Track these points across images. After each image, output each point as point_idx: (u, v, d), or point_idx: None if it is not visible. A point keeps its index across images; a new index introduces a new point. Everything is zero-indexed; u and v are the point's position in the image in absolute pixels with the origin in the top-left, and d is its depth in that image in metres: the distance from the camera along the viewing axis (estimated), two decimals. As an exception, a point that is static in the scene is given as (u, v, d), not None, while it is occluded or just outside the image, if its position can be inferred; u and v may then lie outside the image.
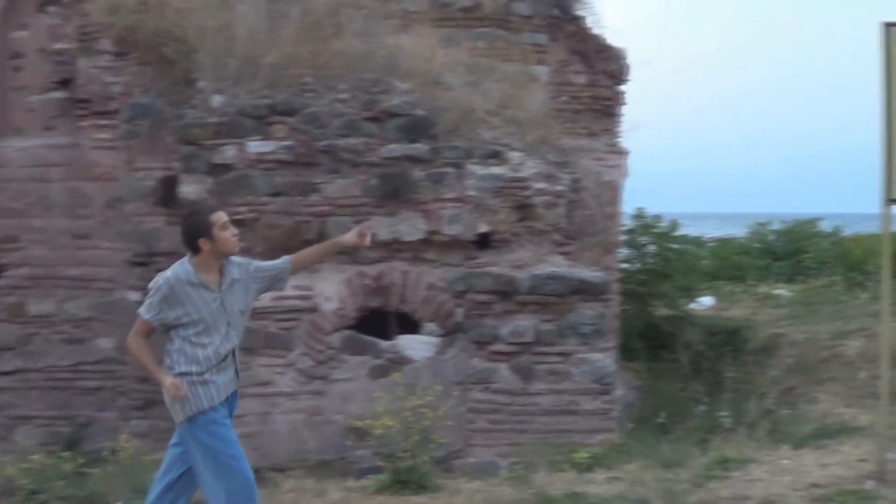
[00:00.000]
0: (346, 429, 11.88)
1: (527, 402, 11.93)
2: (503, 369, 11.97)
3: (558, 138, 14.19)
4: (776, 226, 34.07)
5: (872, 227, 30.40)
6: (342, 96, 12.68)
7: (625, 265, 20.25)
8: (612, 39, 18.70)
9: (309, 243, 11.73)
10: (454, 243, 12.34)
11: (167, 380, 7.13)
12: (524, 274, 12.04)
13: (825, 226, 34.49)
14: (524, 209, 12.54)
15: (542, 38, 16.66)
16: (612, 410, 12.29)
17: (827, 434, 11.71)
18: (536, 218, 12.61)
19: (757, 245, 32.68)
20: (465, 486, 10.09)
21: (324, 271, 12.35)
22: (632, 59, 19.00)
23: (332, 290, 12.41)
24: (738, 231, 37.29)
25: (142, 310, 7.31)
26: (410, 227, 12.24)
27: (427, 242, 12.33)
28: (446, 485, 10.02)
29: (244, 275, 7.45)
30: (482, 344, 12.05)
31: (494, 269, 12.16)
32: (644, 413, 15.02)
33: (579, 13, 17.93)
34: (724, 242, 34.26)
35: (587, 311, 12.14)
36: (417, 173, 12.29)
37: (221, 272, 7.33)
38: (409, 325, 12.59)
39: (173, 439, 7.48)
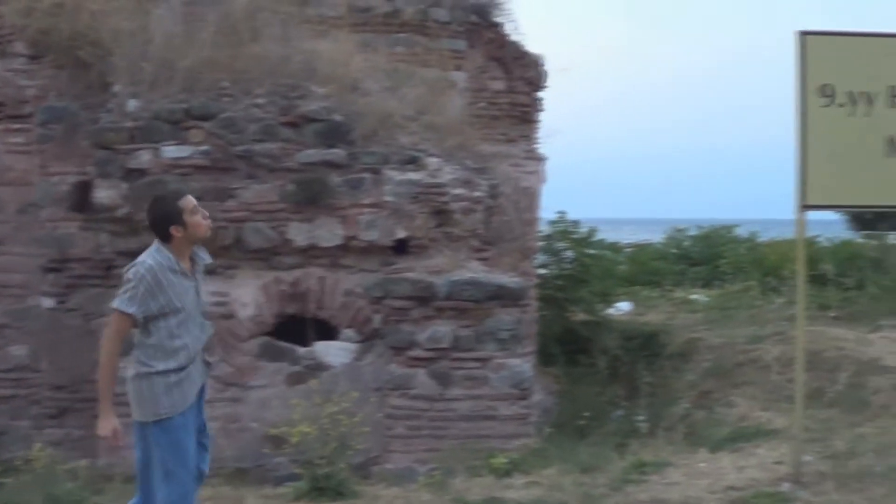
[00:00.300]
0: (264, 436, 11.81)
1: (445, 407, 11.93)
2: (421, 375, 11.96)
3: (476, 144, 14.22)
4: (693, 231, 34.45)
5: (787, 233, 30.87)
6: (259, 101, 12.61)
7: (543, 271, 20.33)
8: (530, 46, 18.80)
9: (226, 249, 11.72)
10: (371, 249, 12.32)
11: (111, 423, 6.96)
12: (442, 280, 12.05)
13: (741, 231, 34.93)
14: (442, 215, 12.55)
15: (460, 44, 16.69)
16: (529, 416, 12.34)
17: (743, 437, 11.86)
18: (454, 224, 12.63)
19: (674, 250, 33.04)
20: (383, 492, 10.08)
21: (240, 277, 12.29)
22: (549, 65, 19.11)
23: (248, 296, 12.34)
24: (656, 237, 37.63)
25: (121, 304, 6.91)
26: (328, 232, 12.20)
27: (344, 248, 12.30)
28: (364, 491, 10.00)
29: (204, 261, 7.40)
30: (400, 350, 12.04)
31: (412, 275, 12.16)
32: (562, 418, 15.12)
33: (497, 20, 18.00)
34: (641, 248, 34.54)
35: (505, 317, 12.17)
36: (335, 179, 12.25)
37: (192, 259, 7.22)
38: (327, 332, 12.54)
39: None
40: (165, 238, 7.05)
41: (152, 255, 7.01)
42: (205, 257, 7.42)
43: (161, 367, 6.96)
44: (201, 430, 7.46)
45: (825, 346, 16.50)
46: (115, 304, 6.93)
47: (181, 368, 7.04)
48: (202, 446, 7.46)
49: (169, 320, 6.97)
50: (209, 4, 13.77)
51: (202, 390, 7.39)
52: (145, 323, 6.95)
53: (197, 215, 7.13)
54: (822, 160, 8.76)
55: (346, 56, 13.47)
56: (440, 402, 11.95)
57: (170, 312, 6.96)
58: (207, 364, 7.44)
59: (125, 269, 7.08)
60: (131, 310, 6.86)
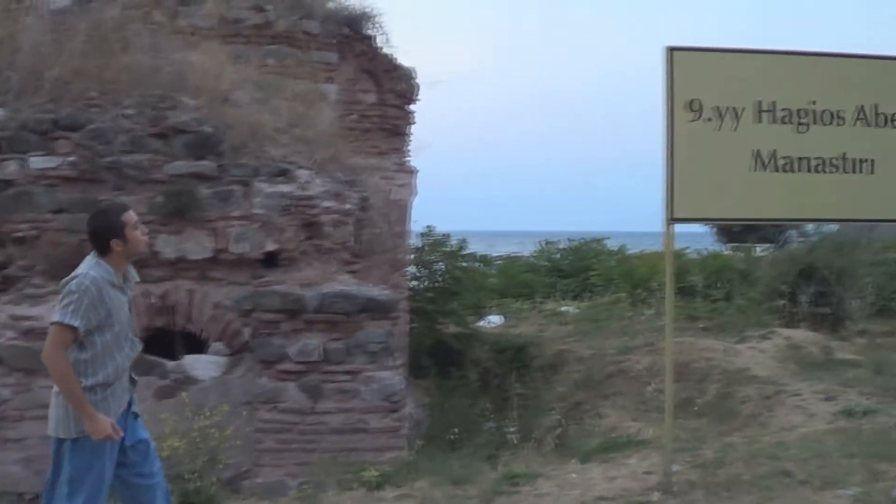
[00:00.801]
0: (132, 451, 11.62)
1: (315, 421, 11.86)
2: (291, 388, 11.88)
3: (347, 157, 14.20)
4: (563, 244, 34.79)
5: (657, 245, 31.28)
6: (128, 112, 12.45)
7: (413, 283, 20.36)
8: (401, 59, 18.85)
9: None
10: (241, 262, 12.22)
11: (103, 422, 6.71)
12: (312, 292, 11.99)
13: (611, 244, 35.37)
14: (312, 227, 12.50)
15: (331, 56, 16.68)
16: (401, 428, 12.32)
17: (614, 447, 11.96)
18: (324, 236, 12.59)
19: (544, 263, 33.32)
20: (253, 506, 10.00)
21: (108, 290, 12.10)
22: (421, 79, 19.18)
23: (116, 309, 12.16)
24: (528, 249, 37.94)
25: (63, 318, 6.64)
26: (197, 245, 12.07)
27: (214, 261, 12.18)
28: (235, 506, 9.92)
29: (134, 279, 7.28)
30: (270, 363, 11.95)
31: (282, 288, 12.08)
32: (433, 430, 15.13)
33: (369, 33, 18.01)
34: (511, 260, 34.79)
35: (375, 330, 12.15)
36: (204, 191, 12.13)
37: (124, 275, 7.06)
38: (196, 345, 12.40)
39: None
40: (104, 251, 6.89)
41: (92, 268, 6.83)
42: (134, 275, 7.30)
43: (89, 382, 6.75)
44: (139, 449, 7.23)
45: (694, 356, 16.76)
46: (57, 317, 6.65)
47: (107, 384, 6.86)
48: (146, 465, 7.27)
49: (105, 335, 6.80)
50: (78, 14, 13.58)
51: (128, 408, 7.17)
52: (83, 336, 6.72)
53: (137, 230, 7.01)
54: (689, 174, 8.85)
55: (216, 67, 13.37)
56: (311, 416, 11.88)
57: (106, 327, 6.80)
58: (133, 381, 7.26)
59: (64, 281, 6.85)
60: (75, 322, 6.63)
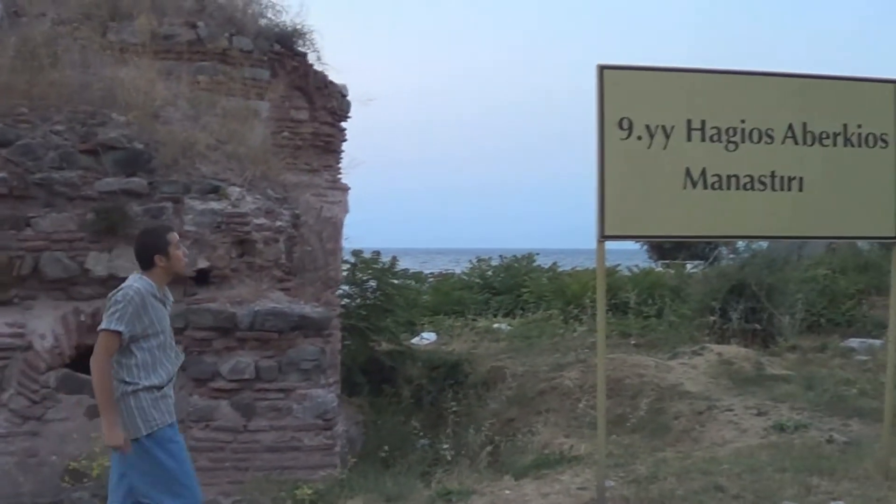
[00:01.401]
0: (63, 470, 11.51)
1: (248, 439, 11.81)
2: (224, 406, 11.82)
3: (279, 174, 14.15)
4: (496, 261, 34.85)
5: (589, 262, 31.38)
6: (58, 128, 12.33)
7: (346, 301, 20.31)
8: (334, 76, 18.82)
9: (22, 279, 11.40)
10: (173, 279, 12.12)
11: (121, 434, 7.14)
12: (244, 310, 11.94)
13: (543, 261, 35.47)
14: (244, 245, 12.45)
15: (263, 73, 16.62)
16: (334, 446, 12.28)
17: (547, 464, 11.98)
18: (256, 254, 12.54)
19: (477, 280, 33.34)
20: (186, 526, 9.89)
21: (37, 308, 11.99)
22: (354, 96, 19.16)
23: (46, 327, 12.03)
24: (461, 267, 37.96)
25: (109, 324, 7.21)
26: (128, 262, 11.90)
27: (145, 279, 12.08)
28: (167, 525, 9.80)
29: (169, 299, 7.74)
30: (202, 381, 11.88)
31: (214, 306, 12.02)
32: (367, 448, 15.10)
33: (301, 50, 17.97)
34: (444, 278, 34.80)
35: (308, 347, 12.12)
36: (135, 208, 12.04)
37: (164, 291, 7.59)
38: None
39: (115, 476, 7.41)
40: (147, 266, 7.48)
41: (137, 281, 7.42)
42: (169, 295, 7.77)
43: (146, 382, 7.24)
44: None
45: (626, 372, 16.84)
46: (104, 324, 7.22)
47: (160, 387, 7.32)
48: None
49: (150, 342, 7.32)
50: (7, 29, 13.45)
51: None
52: (128, 343, 7.23)
53: (179, 250, 7.60)
54: (620, 192, 8.91)
55: (147, 83, 13.28)
56: (244, 434, 11.82)
57: (152, 335, 7.31)
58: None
59: (112, 293, 7.39)
60: (120, 328, 7.16)
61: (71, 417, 11.83)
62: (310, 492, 10.49)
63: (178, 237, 7.73)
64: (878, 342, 21.60)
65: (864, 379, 17.39)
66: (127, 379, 7.25)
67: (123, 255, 11.92)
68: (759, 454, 11.63)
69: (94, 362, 7.23)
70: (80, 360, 12.10)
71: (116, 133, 12.37)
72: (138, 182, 12.13)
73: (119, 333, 7.16)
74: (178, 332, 11.86)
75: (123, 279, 11.79)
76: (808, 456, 11.26)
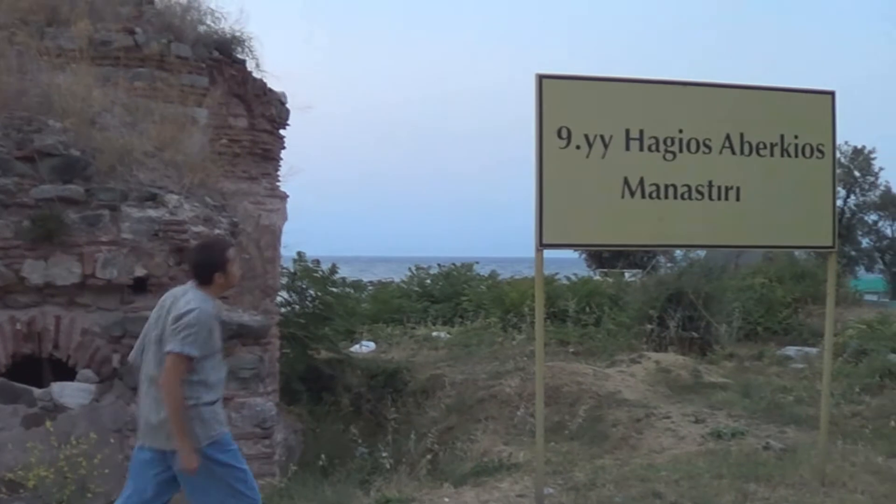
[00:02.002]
0: (-2, 480, 11.38)
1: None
2: (162, 416, 11.71)
3: (217, 181, 14.07)
4: (434, 269, 34.91)
5: (528, 271, 31.43)
6: (-7, 134, 12.20)
7: (285, 309, 20.24)
8: (273, 84, 18.77)
9: (-44, 287, 11.25)
10: (110, 287, 12.02)
11: (193, 456, 7.26)
12: (183, 318, 11.85)
13: (481, 269, 35.56)
14: (182, 253, 12.35)
15: (202, 80, 16.53)
16: (273, 454, 12.22)
17: (486, 471, 12.03)
18: (194, 262, 12.46)
19: (416, 288, 33.37)
20: (122, 536, 9.81)
21: (-29, 317, 11.84)
22: (293, 104, 19.12)
23: (-20, 336, 11.90)
24: (400, 275, 37.98)
25: (184, 349, 7.22)
26: (64, 270, 11.84)
27: (82, 286, 11.96)
28: (104, 536, 9.74)
29: None
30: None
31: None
32: (306, 456, 15.04)
33: (239, 57, 17.91)
34: (383, 286, 34.80)
35: (246, 356, 12.07)
36: (72, 215, 11.92)
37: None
38: (65, 372, 12.17)
39: (153, 468, 7.55)
40: (206, 282, 7.45)
41: (205, 301, 7.42)
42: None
43: (206, 398, 7.32)
44: None
45: (565, 380, 16.91)
46: (177, 348, 7.19)
47: (218, 400, 7.47)
48: None
49: (212, 360, 7.43)
50: (-59, 34, 13.30)
51: None
52: (195, 362, 7.30)
53: (235, 266, 7.62)
54: (559, 200, 8.95)
55: (84, 90, 13.16)
56: (181, 443, 11.72)
57: (211, 354, 7.37)
58: None
59: (180, 312, 7.27)
60: (194, 352, 7.21)
61: (6, 427, 11.67)
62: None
63: (234, 252, 7.71)
64: (814, 350, 21.87)
65: (801, 386, 17.59)
66: (189, 394, 7.25)
67: (60, 264, 11.81)
68: (697, 461, 11.72)
69: (168, 386, 7.20)
70: (15, 369, 12.00)
71: (53, 140, 12.25)
72: (75, 189, 12.01)
73: (192, 358, 7.21)
74: (115, 340, 11.82)
75: (61, 287, 11.78)
76: (745, 463, 11.36)
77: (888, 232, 68.84)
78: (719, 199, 9.34)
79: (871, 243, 68.84)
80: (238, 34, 17.86)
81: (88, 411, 11.73)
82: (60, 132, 12.38)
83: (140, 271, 12.04)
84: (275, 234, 18.30)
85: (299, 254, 21.86)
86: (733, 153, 9.37)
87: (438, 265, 35.89)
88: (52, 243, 11.80)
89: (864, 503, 9.33)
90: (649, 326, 22.68)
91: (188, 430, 7.22)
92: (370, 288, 33.35)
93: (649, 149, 9.15)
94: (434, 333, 25.94)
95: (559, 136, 8.90)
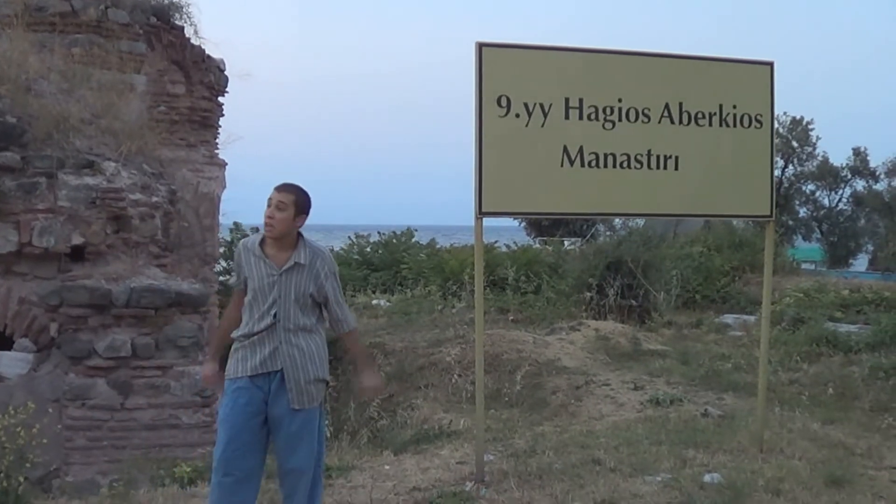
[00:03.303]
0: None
1: (126, 417, 11.67)
2: (101, 384, 11.65)
3: (155, 149, 13.98)
4: (374, 238, 34.85)
5: (467, 239, 31.45)
6: (-74, 102, 12.05)
7: (224, 277, 20.15)
8: (212, 51, 18.65)
9: None
10: (47, 256, 11.92)
11: (206, 367, 7.50)
12: (120, 287, 11.77)
13: (421, 237, 35.53)
14: (119, 221, 12.27)
15: (140, 46, 16.39)
16: (213, 423, 12.17)
17: (427, 439, 12.06)
18: (132, 230, 12.38)
19: (356, 256, 33.30)
20: (63, 506, 9.78)
21: None
22: (231, 71, 19.01)
23: (-85, 305, 11.78)
24: (339, 243, 37.85)
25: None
26: (1, 238, 11.74)
27: (18, 255, 11.86)
28: (45, 506, 9.69)
29: (315, 263, 7.20)
30: (78, 359, 11.69)
31: (89, 283, 11.82)
32: (246, 425, 14.98)
33: (178, 23, 17.77)
34: (323, 254, 34.70)
35: (185, 324, 12.02)
36: (8, 183, 11.80)
37: (290, 252, 7.14)
38: (1, 342, 12.07)
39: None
40: None
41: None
42: (301, 256, 7.34)
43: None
44: None
45: (504, 348, 16.95)
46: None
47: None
48: None
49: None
50: None
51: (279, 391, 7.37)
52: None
53: (267, 210, 7.18)
54: (498, 169, 8.95)
55: (20, 56, 13.02)
56: (121, 412, 11.67)
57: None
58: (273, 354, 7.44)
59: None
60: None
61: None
62: (188, 469, 10.39)
63: (272, 195, 7.20)
64: (751, 318, 22.07)
65: (739, 354, 17.75)
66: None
67: (-3, 231, 11.71)
68: (636, 428, 11.80)
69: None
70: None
71: (-12, 107, 12.13)
72: (11, 157, 11.88)
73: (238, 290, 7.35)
74: (52, 309, 11.74)
75: (-3, 256, 11.66)
76: (683, 429, 11.46)
77: (825, 202, 69.38)
78: (658, 168, 9.36)
79: (809, 213, 69.35)
80: (176, 0, 17.72)
81: (26, 381, 11.66)
82: (-5, 99, 12.25)
83: (77, 239, 11.96)
84: (213, 202, 18.22)
85: (236, 224, 21.76)
86: (672, 123, 9.40)
87: (379, 233, 35.83)
88: (-13, 211, 11.68)
89: (802, 469, 9.42)
90: (588, 294, 22.77)
91: None
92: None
93: (588, 118, 9.15)
94: (374, 301, 25.93)
95: (499, 104, 8.89)
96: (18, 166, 11.90)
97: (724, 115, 9.62)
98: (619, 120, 9.24)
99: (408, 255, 31.81)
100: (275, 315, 6.99)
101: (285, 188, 7.13)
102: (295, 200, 7.05)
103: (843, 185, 68.91)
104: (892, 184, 64.50)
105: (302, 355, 7.04)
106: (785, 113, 65.59)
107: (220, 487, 7.08)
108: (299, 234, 7.18)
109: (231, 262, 21.08)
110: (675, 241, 31.68)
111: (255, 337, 7.00)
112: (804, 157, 67.26)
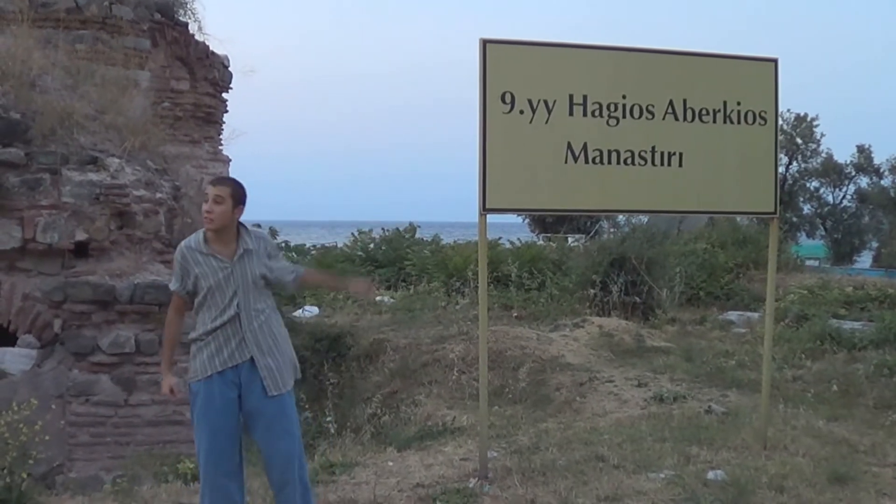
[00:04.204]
0: None
1: (129, 413, 11.68)
2: (104, 381, 11.67)
3: (159, 145, 13.99)
4: (377, 233, 34.81)
5: (471, 235, 31.40)
6: (-69, 98, 12.06)
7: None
8: (216, 47, 18.65)
9: None
10: (50, 252, 11.93)
11: (165, 383, 7.66)
12: (124, 283, 11.79)
13: (424, 234, 35.49)
14: (123, 217, 12.28)
15: (144, 42, 16.40)
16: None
17: (430, 435, 12.05)
18: (136, 226, 12.38)
19: (359, 253, 33.26)
20: (67, 502, 9.75)
21: None
22: (235, 67, 19.01)
23: (-80, 300, 11.79)
24: (342, 239, 37.81)
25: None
26: (5, 234, 11.75)
27: (22, 251, 11.87)
28: (48, 502, 9.67)
29: (258, 247, 7.25)
30: (82, 355, 11.71)
31: (93, 279, 11.84)
32: (250, 421, 14.99)
33: (182, 20, 17.78)
34: (326, 250, 34.64)
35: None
36: (12, 179, 11.81)
37: (236, 243, 7.18)
38: (5, 338, 12.08)
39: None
40: None
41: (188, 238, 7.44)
42: (247, 243, 7.41)
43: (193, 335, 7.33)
44: None
45: (508, 345, 16.93)
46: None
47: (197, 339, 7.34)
48: None
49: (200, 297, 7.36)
50: None
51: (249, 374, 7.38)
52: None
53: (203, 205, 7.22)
54: (502, 165, 8.94)
55: (24, 52, 13.02)
56: (124, 408, 11.69)
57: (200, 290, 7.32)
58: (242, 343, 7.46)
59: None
60: (173, 287, 7.44)
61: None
62: (192, 466, 10.40)
63: (209, 189, 7.26)
64: (755, 315, 22.01)
65: (742, 351, 17.71)
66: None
67: (0, 228, 11.71)
68: (640, 424, 11.79)
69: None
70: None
71: (-8, 102, 12.14)
72: (15, 153, 11.89)
73: (174, 292, 7.42)
74: (56, 305, 11.74)
75: (1, 252, 11.66)
76: (687, 426, 11.45)
77: (829, 199, 69.43)
78: (662, 164, 9.35)
79: (813, 210, 69.40)
80: (180, -3, 17.74)
81: (30, 377, 11.67)
82: (0, 95, 12.25)
83: (81, 235, 11.97)
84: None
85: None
86: (676, 119, 9.39)
87: (382, 229, 35.79)
88: (-9, 207, 11.69)
89: (806, 466, 9.41)
90: (592, 291, 22.73)
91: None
92: (313, 252, 33.20)
93: (592, 114, 9.15)
94: (378, 298, 25.89)
95: (503, 100, 8.89)
96: (22, 162, 11.91)
97: (728, 112, 9.61)
98: (624, 117, 9.22)
99: (411, 252, 31.76)
100: (238, 305, 7.04)
101: (220, 181, 7.27)
102: (231, 193, 7.11)
103: (847, 182, 68.95)
104: (897, 180, 64.56)
105: (267, 340, 7.14)
106: (789, 110, 65.66)
107: (213, 486, 7.13)
108: (240, 224, 7.24)
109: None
110: (679, 237, 31.63)
111: (219, 332, 7.07)
112: (808, 153, 67.28)
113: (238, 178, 7.31)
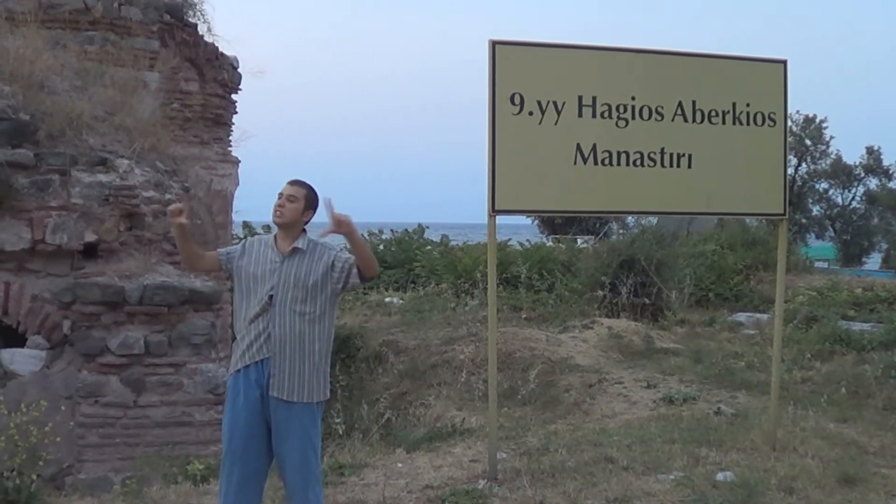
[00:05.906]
0: None
1: (139, 414, 11.68)
2: (114, 382, 11.67)
3: (168, 146, 13.99)
4: (386, 235, 34.83)
5: (480, 237, 31.38)
6: (-60, 99, 12.06)
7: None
8: (225, 48, 18.66)
9: None
10: (60, 253, 11.94)
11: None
12: (133, 284, 11.79)
13: (433, 235, 35.49)
14: (132, 218, 12.28)
15: (153, 44, 16.41)
16: (227, 420, 12.19)
17: (439, 437, 12.05)
18: (145, 227, 12.38)
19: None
20: (76, 503, 9.78)
21: (-81, 282, 11.74)
22: (245, 68, 19.02)
23: (-70, 301, 11.80)
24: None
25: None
26: (13, 235, 11.75)
27: (31, 252, 11.87)
28: (57, 503, 9.68)
29: (316, 250, 7.23)
30: (91, 356, 11.71)
31: (102, 280, 11.84)
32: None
33: (191, 21, 17.78)
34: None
35: (198, 321, 12.03)
36: (21, 180, 11.81)
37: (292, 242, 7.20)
38: (14, 339, 12.08)
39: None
40: None
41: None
42: (300, 243, 7.41)
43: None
44: None
45: (517, 346, 16.94)
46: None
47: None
48: None
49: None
50: None
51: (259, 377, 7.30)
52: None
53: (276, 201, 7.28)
54: (511, 167, 8.94)
55: (33, 53, 13.03)
56: (134, 409, 11.69)
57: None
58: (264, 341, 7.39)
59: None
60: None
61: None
62: (201, 467, 10.42)
63: (284, 188, 7.31)
64: (764, 316, 21.99)
65: (752, 352, 17.69)
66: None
67: (9, 229, 11.72)
68: (649, 426, 11.78)
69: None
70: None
71: (1, 104, 12.12)
72: (24, 154, 11.90)
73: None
74: (65, 306, 11.75)
75: (10, 252, 11.69)
76: (696, 427, 11.43)
77: (838, 200, 69.46)
78: (671, 166, 9.35)
79: (822, 211, 69.41)
80: (189, -2, 17.75)
81: (39, 378, 11.67)
82: (9, 96, 12.26)
83: (90, 236, 11.97)
84: (226, 200, 18.24)
85: (245, 223, 21.72)
86: (685, 121, 9.38)
87: (391, 231, 35.82)
88: (1, 208, 11.69)
89: (815, 467, 9.40)
90: (601, 292, 22.71)
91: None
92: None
93: (602, 115, 9.14)
94: (387, 299, 25.90)
95: (512, 102, 8.88)
96: (32, 163, 11.91)
97: (737, 114, 9.60)
98: (633, 118, 9.22)
99: (420, 253, 31.78)
100: (271, 297, 6.98)
101: (298, 183, 7.26)
102: (306, 195, 7.18)
103: (856, 184, 68.95)
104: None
105: (295, 343, 7.00)
106: (798, 111, 65.72)
107: (227, 485, 7.10)
108: (303, 230, 7.24)
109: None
110: (688, 239, 31.59)
111: (252, 325, 7.01)
112: (817, 155, 67.28)
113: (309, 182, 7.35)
